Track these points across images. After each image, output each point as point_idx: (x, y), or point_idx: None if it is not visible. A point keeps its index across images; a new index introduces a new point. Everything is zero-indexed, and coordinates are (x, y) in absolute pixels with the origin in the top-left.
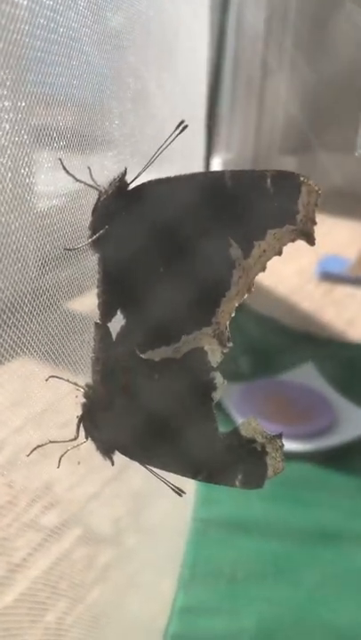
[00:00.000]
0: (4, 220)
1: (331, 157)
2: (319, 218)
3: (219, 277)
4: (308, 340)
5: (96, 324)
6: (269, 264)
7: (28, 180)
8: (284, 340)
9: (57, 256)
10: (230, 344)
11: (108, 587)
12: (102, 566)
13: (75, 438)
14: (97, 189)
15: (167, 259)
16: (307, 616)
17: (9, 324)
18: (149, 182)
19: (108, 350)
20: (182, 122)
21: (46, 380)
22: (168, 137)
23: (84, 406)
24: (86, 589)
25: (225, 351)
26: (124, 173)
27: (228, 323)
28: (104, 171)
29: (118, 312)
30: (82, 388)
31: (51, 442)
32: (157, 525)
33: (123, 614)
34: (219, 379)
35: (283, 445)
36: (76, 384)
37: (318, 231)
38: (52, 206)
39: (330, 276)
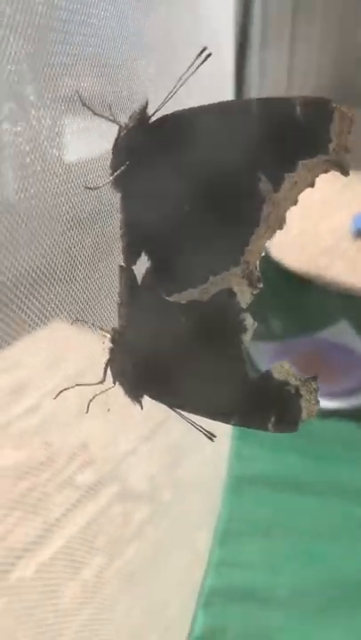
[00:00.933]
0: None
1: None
2: (354, 174)
3: (247, 213)
4: (343, 298)
5: (120, 267)
6: (305, 223)
7: (60, 146)
8: (318, 299)
9: (87, 216)
10: (261, 284)
11: (144, 542)
12: (138, 522)
13: (102, 382)
14: (117, 124)
15: (192, 195)
16: (343, 572)
17: (43, 287)
18: (172, 114)
19: (133, 294)
20: (204, 49)
21: (71, 323)
22: (190, 65)
23: (111, 351)
24: (123, 545)
25: (255, 292)
26: (146, 105)
27: (257, 262)
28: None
29: (143, 254)
30: (108, 332)
31: (77, 385)
32: (192, 481)
33: (159, 569)
34: (249, 320)
35: (318, 388)
36: (101, 329)
37: (353, 189)
38: (83, 166)
39: None
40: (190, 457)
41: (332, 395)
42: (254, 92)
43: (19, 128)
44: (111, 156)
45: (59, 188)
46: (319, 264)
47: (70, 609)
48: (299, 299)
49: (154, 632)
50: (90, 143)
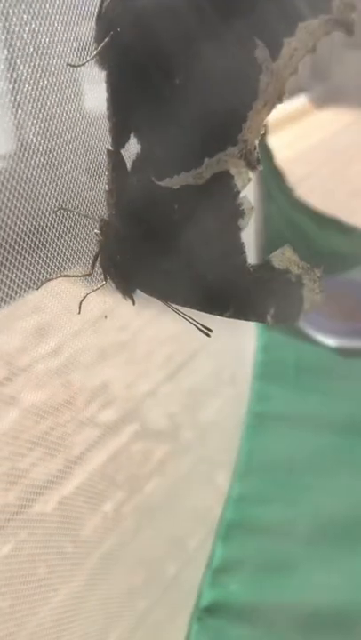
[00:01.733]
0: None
1: None
2: None
3: (244, 85)
4: None
5: (108, 150)
6: (334, 166)
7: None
8: (347, 240)
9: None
10: (260, 166)
11: (164, 479)
12: (158, 460)
13: (89, 274)
14: None
15: (183, 67)
16: None
17: (63, 235)
18: None
19: (122, 180)
20: None
21: (54, 211)
22: None
23: (100, 242)
24: (143, 481)
25: (254, 173)
26: None
27: (256, 140)
28: None
29: (132, 136)
30: (95, 220)
31: (62, 275)
32: (212, 421)
33: (178, 505)
34: (246, 204)
35: (321, 276)
36: (86, 215)
37: None
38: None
39: None
40: (211, 399)
41: (356, 333)
42: None
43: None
44: (95, 28)
45: (78, 134)
46: (349, 206)
47: (91, 540)
48: (328, 241)
49: (174, 562)
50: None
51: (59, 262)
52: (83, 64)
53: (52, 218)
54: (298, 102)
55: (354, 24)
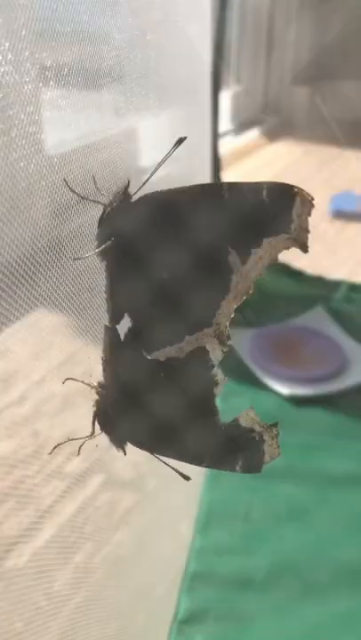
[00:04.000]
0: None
1: (345, 86)
2: (330, 152)
3: (218, 282)
4: (319, 283)
5: (105, 326)
6: None
7: (35, 118)
8: (294, 285)
9: (69, 205)
10: (230, 342)
11: (130, 529)
12: (124, 510)
13: (91, 434)
14: (102, 204)
15: (170, 265)
16: (317, 554)
17: (26, 278)
18: (151, 194)
19: (117, 351)
20: (180, 138)
21: (62, 382)
22: (168, 153)
23: (97, 403)
24: (110, 532)
25: (225, 350)
26: (127, 185)
27: (227, 323)
28: (119, 110)
29: (126, 315)
30: (95, 387)
31: (70, 439)
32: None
33: (145, 555)
34: (220, 375)
35: (278, 433)
36: (89, 384)
37: (331, 167)
38: (62, 147)
39: (343, 214)
40: None
41: (309, 381)
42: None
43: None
44: (97, 230)
45: (40, 173)
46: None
47: (63, 593)
48: (275, 285)
49: (141, 613)
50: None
51: (22, 305)
52: (86, 257)
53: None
54: (252, 135)
55: (307, 245)
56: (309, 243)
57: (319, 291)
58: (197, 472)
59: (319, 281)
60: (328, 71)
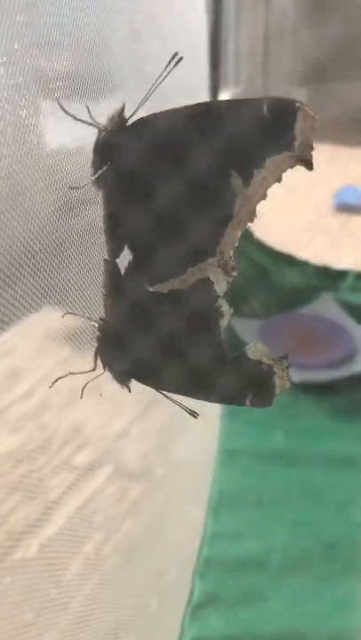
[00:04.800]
0: (15, 172)
1: (344, 87)
2: (334, 149)
3: (221, 207)
4: (325, 273)
5: (105, 260)
6: (286, 200)
7: (29, 123)
8: (302, 275)
9: (70, 204)
10: (235, 273)
11: (140, 518)
12: (134, 499)
13: (93, 369)
14: (97, 127)
15: (169, 192)
16: (332, 533)
17: (33, 275)
18: (148, 116)
19: (117, 285)
20: (176, 54)
21: (62, 316)
22: (162, 72)
23: (99, 339)
24: (120, 521)
25: (230, 280)
26: (123, 109)
27: (231, 252)
28: (107, 111)
29: (125, 247)
30: (96, 322)
31: (70, 373)
32: (184, 457)
33: (156, 542)
34: (225, 306)
35: (289, 365)
36: (90, 319)
37: (334, 162)
38: (60, 153)
39: (347, 208)
40: (181, 435)
41: (319, 367)
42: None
43: None
44: (92, 157)
45: (41, 176)
46: (302, 240)
47: (74, 583)
48: (285, 277)
49: (154, 598)
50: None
51: (26, 302)
52: (82, 187)
53: (19, 257)
54: None
55: (312, 162)
56: (312, 237)
57: (325, 280)
58: (207, 458)
59: (325, 271)
60: (325, 73)
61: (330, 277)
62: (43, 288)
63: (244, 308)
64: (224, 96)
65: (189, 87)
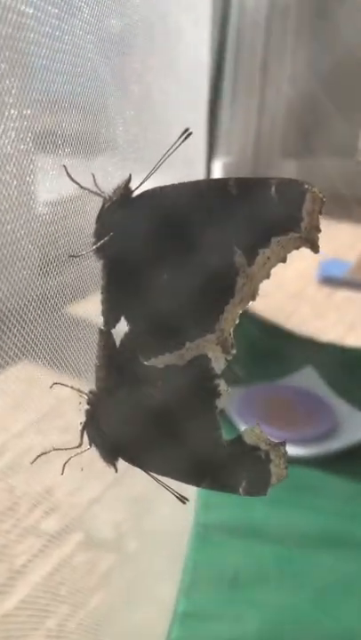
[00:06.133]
0: (9, 227)
1: (331, 161)
2: (321, 221)
3: (222, 284)
4: (309, 344)
5: (100, 330)
6: (279, 269)
7: (32, 188)
8: (284, 344)
9: (60, 261)
10: (234, 351)
11: (109, 592)
12: (103, 572)
13: (79, 445)
14: (101, 196)
15: (171, 266)
16: (308, 621)
17: (12, 329)
18: (153, 189)
19: (111, 357)
20: (187, 129)
21: (50, 387)
22: (173, 144)
23: (88, 413)
24: (87, 595)
25: (229, 358)
26: (129, 180)
27: (231, 329)
28: (108, 177)
29: (122, 319)
30: (85, 394)
31: (55, 449)
32: (158, 530)
33: (124, 620)
34: (223, 386)
35: (286, 452)
36: (79, 390)
37: (321, 235)
38: (56, 212)
39: (331, 280)
40: (157, 506)
41: (298, 441)
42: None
43: None
44: (95, 225)
45: (32, 229)
46: (285, 309)
47: None
48: (264, 344)
49: None
50: (63, 182)
51: (6, 354)
52: (82, 255)
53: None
54: None
55: (318, 244)
56: (297, 306)
57: (309, 352)
58: (182, 534)
59: (309, 342)
60: (312, 147)
61: (314, 349)
62: (21, 342)
63: (227, 373)
64: (217, 165)
65: (187, 155)
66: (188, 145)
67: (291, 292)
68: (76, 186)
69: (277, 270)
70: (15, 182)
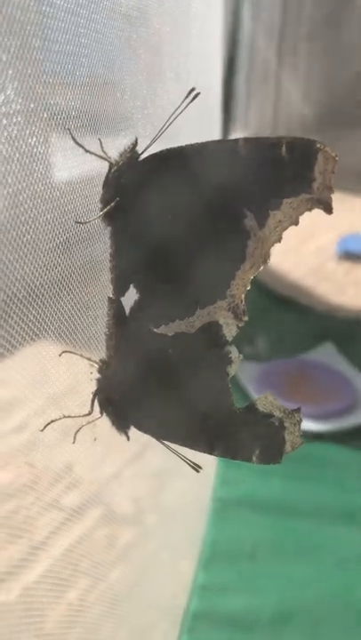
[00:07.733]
0: (26, 206)
1: (353, 134)
2: (340, 196)
3: (233, 249)
4: (328, 320)
5: (109, 298)
6: (290, 244)
7: (44, 159)
8: (303, 320)
9: (73, 237)
10: (246, 317)
11: (128, 566)
12: (123, 546)
13: (89, 413)
14: (108, 161)
15: (180, 230)
16: (327, 595)
17: (29, 307)
18: (161, 152)
19: (121, 325)
20: (193, 89)
21: (60, 355)
22: (179, 105)
23: (99, 381)
24: (107, 568)
25: (240, 325)
26: (135, 144)
27: (243, 295)
28: (117, 145)
29: (131, 286)
30: (96, 363)
31: (65, 416)
32: (177, 505)
33: (143, 593)
34: (234, 353)
35: (301, 420)
36: (89, 359)
37: (339, 210)
38: (68, 186)
39: (350, 255)
40: (175, 481)
41: (318, 416)
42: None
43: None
44: (102, 191)
45: (47, 209)
46: (305, 285)
47: (55, 632)
48: (284, 320)
49: None
50: (78, 162)
51: (26, 333)
52: (89, 221)
53: (17, 291)
54: None
55: (331, 205)
56: (317, 282)
57: (329, 327)
58: (201, 506)
59: (329, 317)
60: (335, 120)
61: (334, 324)
62: (39, 321)
63: (247, 349)
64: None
65: (202, 127)
66: (202, 116)
67: (310, 268)
68: (92, 166)
69: (297, 246)
70: (29, 161)
